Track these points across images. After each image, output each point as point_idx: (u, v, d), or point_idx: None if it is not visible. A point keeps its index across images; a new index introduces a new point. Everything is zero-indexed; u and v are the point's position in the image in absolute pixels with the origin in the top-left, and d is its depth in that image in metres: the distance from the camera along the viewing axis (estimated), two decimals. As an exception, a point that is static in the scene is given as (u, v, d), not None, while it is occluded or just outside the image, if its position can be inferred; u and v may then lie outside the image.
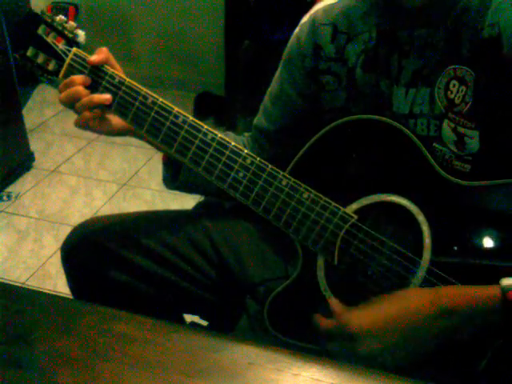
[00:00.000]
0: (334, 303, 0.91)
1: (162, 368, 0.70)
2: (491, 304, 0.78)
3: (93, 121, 0.97)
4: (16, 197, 2.56)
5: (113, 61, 0.98)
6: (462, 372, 0.87)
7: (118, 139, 2.90)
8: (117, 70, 0.97)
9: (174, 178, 1.08)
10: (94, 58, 0.95)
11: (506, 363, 0.84)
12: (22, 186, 2.64)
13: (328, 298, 0.93)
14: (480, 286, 0.81)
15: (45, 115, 3.24)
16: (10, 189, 2.60)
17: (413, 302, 0.84)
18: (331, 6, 1.02)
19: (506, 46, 0.85)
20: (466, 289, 0.83)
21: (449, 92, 0.90)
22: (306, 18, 1.05)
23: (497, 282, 0.79)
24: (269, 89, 1.13)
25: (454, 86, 0.90)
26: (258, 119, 1.13)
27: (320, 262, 0.95)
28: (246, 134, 1.17)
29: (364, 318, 0.85)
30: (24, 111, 2.79)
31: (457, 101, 0.90)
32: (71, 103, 0.95)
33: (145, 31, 3.49)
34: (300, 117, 1.08)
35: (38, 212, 2.47)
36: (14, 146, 2.63)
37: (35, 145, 2.85)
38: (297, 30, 1.06)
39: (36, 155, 2.79)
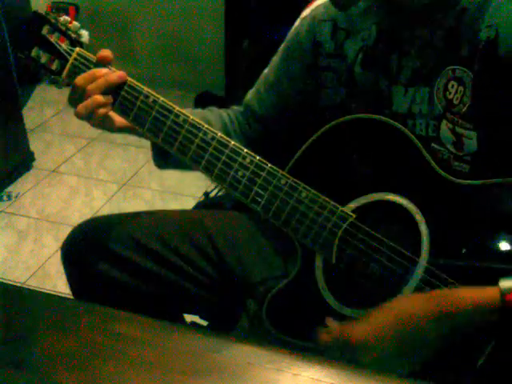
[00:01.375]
0: (330, 322, 0.90)
1: (162, 368, 0.71)
2: (489, 306, 0.78)
3: (103, 108, 0.94)
4: (16, 197, 2.56)
5: (113, 65, 0.97)
6: (459, 370, 0.87)
7: (118, 139, 2.90)
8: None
9: (165, 156, 1.07)
10: (103, 53, 0.94)
11: (503, 361, 0.84)
12: (22, 185, 2.64)
13: (326, 320, 0.92)
14: (478, 287, 0.80)
15: (45, 115, 3.24)
16: (10, 189, 2.60)
17: (410, 308, 0.84)
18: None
19: (502, 48, 0.85)
20: (464, 292, 0.82)
21: (447, 92, 0.90)
22: (306, 13, 1.05)
23: (496, 282, 0.79)
24: (265, 70, 1.12)
25: (453, 86, 0.90)
26: (250, 99, 1.13)
27: (318, 260, 0.95)
28: (235, 108, 1.16)
29: (362, 329, 0.85)
30: (24, 111, 2.79)
31: (455, 101, 0.90)
32: (86, 84, 0.93)
33: (145, 31, 3.49)
34: (293, 110, 1.08)
35: (38, 212, 2.47)
36: (14, 146, 2.63)
37: (35, 145, 2.84)
38: (297, 23, 1.06)
39: (36, 155, 2.79)
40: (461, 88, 0.89)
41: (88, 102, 0.92)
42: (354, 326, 0.87)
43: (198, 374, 0.70)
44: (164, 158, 1.07)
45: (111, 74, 0.93)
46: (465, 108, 0.89)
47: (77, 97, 0.94)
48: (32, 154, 2.77)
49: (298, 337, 0.96)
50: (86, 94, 0.92)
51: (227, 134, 0.95)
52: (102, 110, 0.93)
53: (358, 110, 0.97)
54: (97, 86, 0.92)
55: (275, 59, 1.10)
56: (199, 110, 1.11)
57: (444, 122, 0.91)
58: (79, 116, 0.94)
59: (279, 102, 1.08)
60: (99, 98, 0.92)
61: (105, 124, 0.98)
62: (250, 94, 1.14)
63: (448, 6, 0.89)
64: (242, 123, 1.13)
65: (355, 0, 0.94)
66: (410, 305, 0.85)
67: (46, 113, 3.26)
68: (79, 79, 0.93)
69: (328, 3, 1.01)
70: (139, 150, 2.85)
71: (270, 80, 1.10)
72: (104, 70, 0.93)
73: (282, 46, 1.08)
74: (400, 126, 0.90)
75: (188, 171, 1.10)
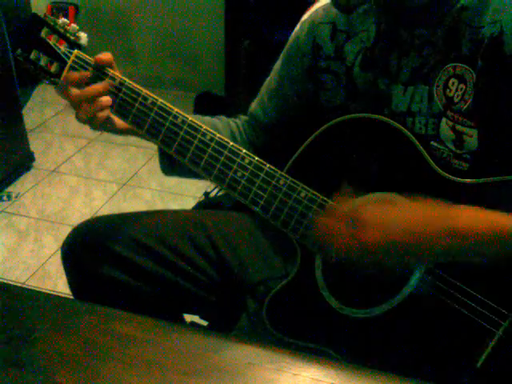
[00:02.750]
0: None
1: (162, 368, 0.71)
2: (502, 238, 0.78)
3: (100, 112, 0.95)
4: (16, 197, 2.56)
5: (115, 66, 0.98)
6: (460, 369, 0.87)
7: (118, 139, 2.90)
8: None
9: (171, 163, 1.07)
10: (102, 55, 0.95)
11: (503, 360, 0.84)
12: (22, 185, 2.64)
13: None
14: (496, 214, 0.81)
15: (45, 115, 3.24)
16: (10, 189, 2.60)
17: (423, 224, 0.83)
18: (331, 4, 1.02)
19: (508, 44, 0.84)
20: (482, 215, 0.82)
21: (448, 90, 0.90)
22: (306, 16, 1.05)
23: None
24: (267, 79, 1.12)
25: (453, 84, 0.90)
26: (254, 108, 1.13)
27: (318, 260, 0.95)
28: (243, 118, 1.17)
29: (375, 215, 0.85)
30: (24, 111, 2.79)
31: (456, 99, 0.90)
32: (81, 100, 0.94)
33: (145, 31, 3.49)
34: (295, 114, 1.08)
35: (38, 212, 2.47)
36: (14, 146, 2.63)
37: (35, 145, 2.85)
38: (297, 27, 1.06)
39: (36, 155, 2.79)
40: (462, 85, 0.89)
41: (88, 107, 0.93)
42: (365, 229, 0.84)
43: (198, 374, 0.70)
44: (171, 165, 1.07)
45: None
46: (466, 105, 0.89)
47: (75, 104, 0.95)
48: (32, 154, 2.77)
49: (298, 337, 0.96)
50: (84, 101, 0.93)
51: (235, 142, 0.95)
52: (102, 114, 0.94)
53: (357, 110, 0.97)
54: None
55: (276, 66, 1.10)
56: (208, 118, 1.11)
57: (444, 119, 0.91)
58: (80, 120, 0.95)
59: (282, 107, 1.09)
60: (100, 101, 0.93)
61: (105, 126, 0.98)
62: (254, 104, 1.14)
63: (447, 4, 0.89)
64: (249, 133, 1.14)
65: (359, 3, 0.94)
66: (432, 216, 0.84)
67: (46, 113, 3.26)
68: (73, 95, 0.94)
69: (327, 6, 1.01)
70: (139, 150, 2.85)
71: (272, 87, 1.10)
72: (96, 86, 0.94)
73: (283, 51, 1.09)
74: (398, 124, 0.90)
75: (195, 179, 1.11)
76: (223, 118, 1.14)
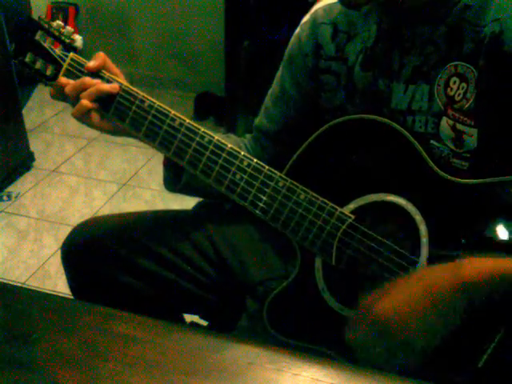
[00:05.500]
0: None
1: (162, 368, 0.71)
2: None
3: (94, 113, 0.95)
4: (16, 197, 2.56)
5: (110, 64, 0.97)
6: (461, 369, 0.87)
7: (118, 139, 2.90)
8: (114, 74, 0.97)
9: (175, 180, 1.08)
10: (92, 64, 0.95)
11: (505, 360, 0.84)
12: (22, 185, 2.64)
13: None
14: (502, 258, 0.80)
15: (45, 115, 3.24)
16: (10, 189, 2.60)
17: (435, 280, 0.82)
18: (331, 5, 1.02)
19: (508, 42, 0.85)
20: (488, 262, 0.81)
21: (449, 89, 0.90)
22: (306, 18, 1.06)
23: None
24: (270, 90, 1.13)
25: (455, 82, 0.90)
26: (260, 120, 1.14)
27: (318, 262, 0.95)
28: (248, 136, 1.17)
29: (390, 304, 0.83)
30: (24, 111, 2.79)
31: (457, 98, 0.90)
32: (77, 92, 0.94)
33: (145, 31, 3.49)
34: (301, 116, 1.08)
35: (38, 212, 2.47)
36: (14, 145, 2.63)
37: (35, 145, 2.85)
38: (298, 30, 1.06)
39: (36, 155, 2.79)
40: (463, 84, 0.89)
41: (79, 107, 0.94)
42: (380, 304, 0.83)
43: (197, 374, 0.70)
44: (174, 183, 1.08)
45: (102, 84, 0.94)
46: (467, 104, 0.89)
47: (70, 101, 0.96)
48: (32, 154, 2.77)
49: (298, 339, 0.96)
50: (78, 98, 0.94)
51: None
52: (94, 114, 0.95)
53: (355, 111, 0.97)
54: (88, 95, 0.93)
55: (278, 73, 1.10)
56: (220, 134, 1.12)
57: (444, 118, 0.91)
58: (75, 118, 0.96)
59: (287, 110, 1.09)
60: (88, 104, 0.94)
61: (104, 125, 0.98)
62: (258, 116, 1.14)
63: (450, 3, 0.89)
64: (255, 148, 1.13)
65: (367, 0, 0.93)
66: (435, 275, 0.83)
67: (45, 113, 3.26)
68: (68, 88, 0.94)
69: (328, 7, 1.01)
70: (139, 150, 2.85)
71: (275, 93, 1.10)
72: (95, 80, 0.94)
73: (284, 56, 1.08)
74: (396, 124, 0.90)
75: (198, 198, 1.11)
76: (232, 136, 1.15)
